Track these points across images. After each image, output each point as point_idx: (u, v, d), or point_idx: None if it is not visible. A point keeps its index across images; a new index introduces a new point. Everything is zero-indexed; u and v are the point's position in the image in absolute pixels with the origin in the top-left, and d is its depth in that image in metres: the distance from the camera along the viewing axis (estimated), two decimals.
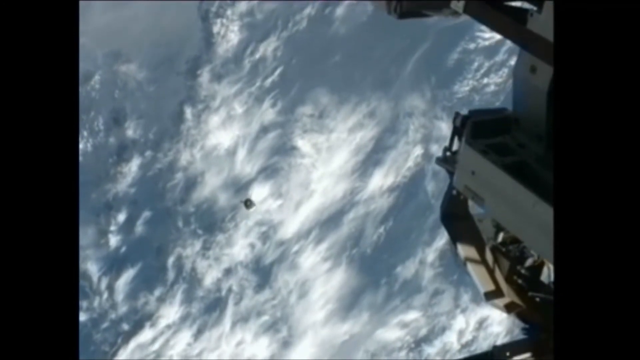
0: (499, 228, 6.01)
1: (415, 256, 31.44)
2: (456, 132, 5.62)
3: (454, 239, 6.05)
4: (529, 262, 6.10)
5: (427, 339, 31.02)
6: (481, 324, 30.05)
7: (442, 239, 30.74)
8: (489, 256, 6.05)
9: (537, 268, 6.12)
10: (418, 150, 31.88)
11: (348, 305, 31.59)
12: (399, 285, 31.44)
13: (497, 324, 29.16)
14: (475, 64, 31.90)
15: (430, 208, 30.96)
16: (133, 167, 31.76)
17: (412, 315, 31.31)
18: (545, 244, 4.81)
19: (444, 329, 30.92)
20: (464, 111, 5.65)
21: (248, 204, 30.96)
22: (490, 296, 6.06)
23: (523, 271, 6.12)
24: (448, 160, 5.79)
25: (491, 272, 6.02)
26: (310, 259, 31.85)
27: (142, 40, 31.43)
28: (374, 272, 31.63)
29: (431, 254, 31.30)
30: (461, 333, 30.54)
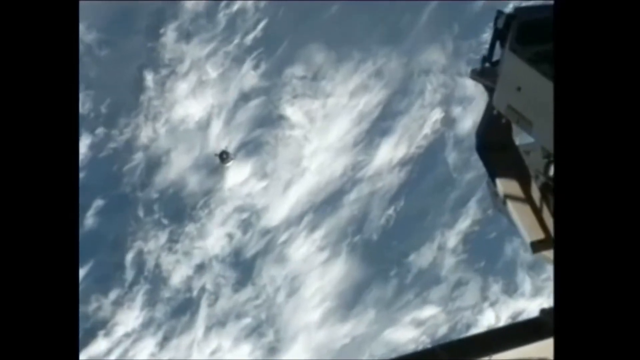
0: (550, 160, 5.96)
1: (433, 241, 31.56)
2: (498, 36, 5.51)
3: (492, 173, 5.97)
4: None
5: (448, 338, 31.21)
6: (514, 318, 30.20)
7: (466, 219, 30.83)
8: (536, 195, 5.99)
9: None
10: (437, 115, 32.04)
11: (350, 302, 31.78)
12: (412, 276, 31.62)
13: None
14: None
15: (451, 183, 31.10)
16: (82, 147, 31.91)
17: (428, 312, 31.54)
18: None
19: (468, 326, 31.20)
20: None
21: (224, 157, 31.20)
22: (538, 247, 5.97)
23: None
24: (486, 73, 5.69)
25: (538, 214, 5.95)
26: (303, 249, 32.01)
27: None
28: (382, 261, 31.72)
29: (452, 238, 31.44)
30: None
